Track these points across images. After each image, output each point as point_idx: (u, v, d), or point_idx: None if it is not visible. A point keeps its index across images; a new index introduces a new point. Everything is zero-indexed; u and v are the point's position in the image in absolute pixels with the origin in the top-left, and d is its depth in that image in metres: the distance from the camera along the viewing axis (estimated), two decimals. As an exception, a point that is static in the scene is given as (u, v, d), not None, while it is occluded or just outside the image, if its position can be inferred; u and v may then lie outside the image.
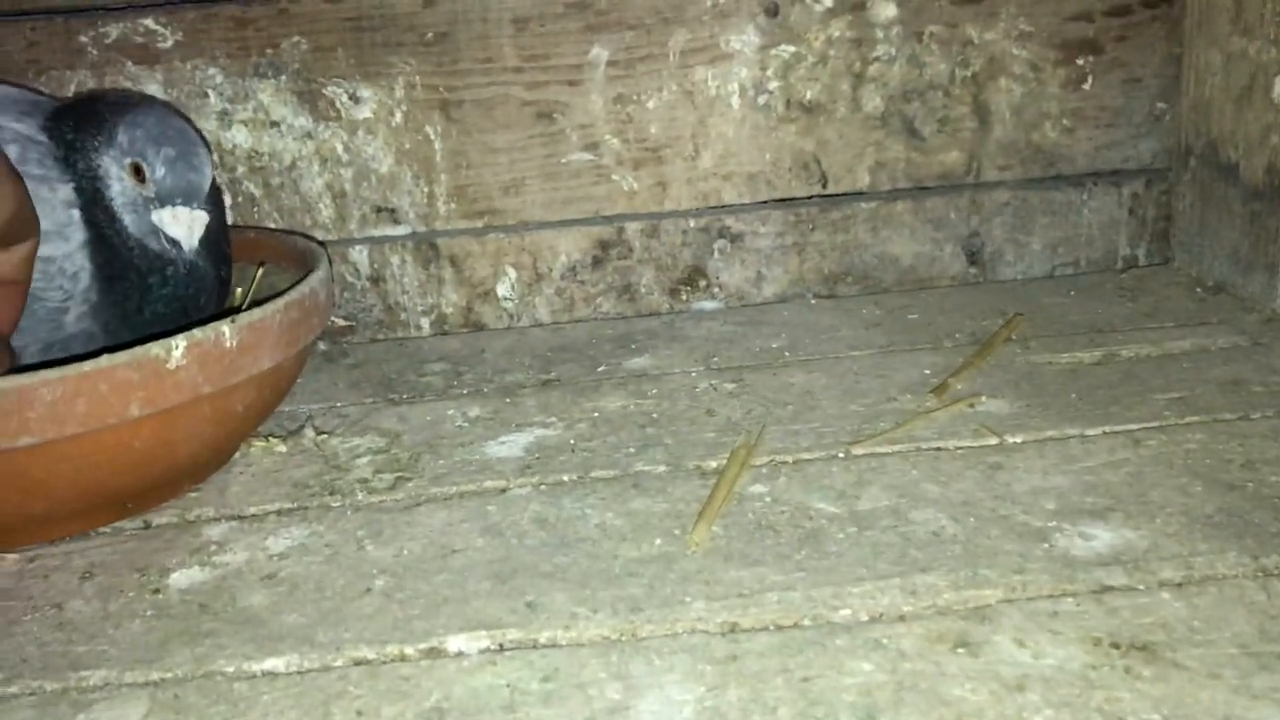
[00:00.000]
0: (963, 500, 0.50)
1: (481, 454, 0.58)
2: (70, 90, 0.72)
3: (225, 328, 0.49)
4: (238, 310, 0.53)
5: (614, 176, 0.77)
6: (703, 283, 0.78)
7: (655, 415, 0.61)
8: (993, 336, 0.67)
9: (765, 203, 0.78)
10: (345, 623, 0.44)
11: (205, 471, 0.56)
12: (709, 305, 0.78)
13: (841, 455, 0.54)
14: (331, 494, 0.55)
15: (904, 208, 0.78)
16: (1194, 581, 0.43)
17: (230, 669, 0.42)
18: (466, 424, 0.62)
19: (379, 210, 0.76)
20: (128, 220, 0.55)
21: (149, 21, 0.72)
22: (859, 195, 0.78)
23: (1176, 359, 0.63)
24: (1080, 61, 0.76)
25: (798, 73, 0.76)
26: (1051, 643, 0.40)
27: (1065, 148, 0.78)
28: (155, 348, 0.47)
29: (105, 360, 0.46)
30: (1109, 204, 0.79)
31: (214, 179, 0.58)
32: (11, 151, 0.53)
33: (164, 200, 0.55)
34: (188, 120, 0.58)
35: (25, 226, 0.49)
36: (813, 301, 0.78)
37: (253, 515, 0.53)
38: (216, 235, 0.57)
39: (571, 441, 0.59)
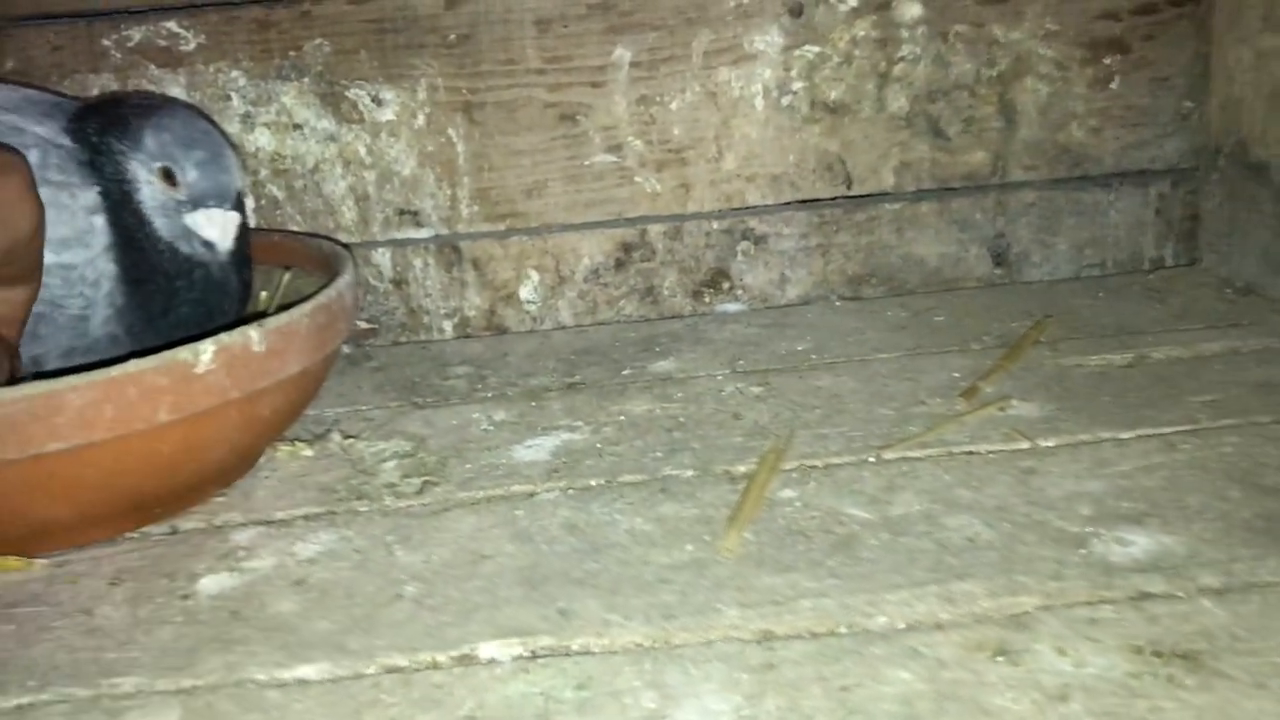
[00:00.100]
0: (996, 505, 0.49)
1: (508, 458, 0.58)
2: (94, 94, 0.72)
3: (253, 332, 0.49)
4: (263, 314, 0.52)
5: (637, 178, 0.77)
6: (726, 285, 0.78)
7: (682, 419, 0.60)
8: (1021, 339, 0.67)
9: (789, 204, 0.77)
10: (376, 630, 0.43)
11: (232, 476, 0.56)
12: (732, 307, 0.78)
13: (872, 460, 0.54)
14: (359, 499, 0.54)
15: (929, 209, 0.77)
16: (1235, 589, 0.42)
17: (262, 676, 0.41)
18: (492, 428, 0.61)
19: (402, 213, 0.76)
20: (159, 224, 0.55)
21: (172, 24, 0.72)
22: (884, 196, 0.77)
23: (1208, 361, 0.62)
24: (1107, 61, 0.76)
25: (822, 73, 0.75)
26: (1092, 651, 0.39)
27: (1091, 148, 0.78)
28: (183, 352, 0.47)
29: (133, 365, 0.46)
30: (1135, 204, 0.78)
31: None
32: (32, 156, 0.53)
33: (196, 203, 0.55)
34: (212, 121, 0.58)
35: (25, 270, 0.49)
36: (837, 303, 0.77)
37: (280, 520, 0.53)
38: (241, 238, 0.57)
39: (598, 446, 0.58)
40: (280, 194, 0.75)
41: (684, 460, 0.56)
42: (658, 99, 0.75)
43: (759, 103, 0.75)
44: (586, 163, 0.76)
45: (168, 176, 0.55)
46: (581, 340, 0.75)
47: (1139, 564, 0.44)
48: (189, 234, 0.55)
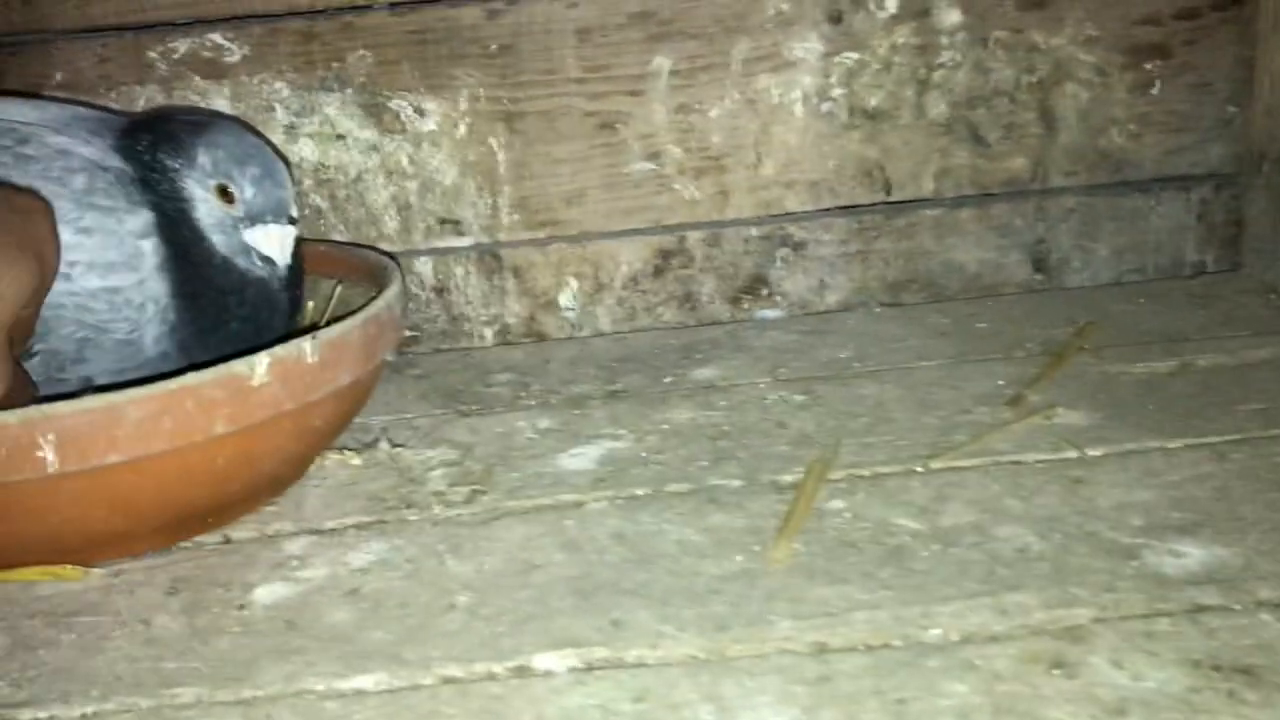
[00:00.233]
0: (1047, 516, 0.49)
1: (554, 467, 0.58)
2: (140, 106, 0.73)
3: (307, 344, 0.49)
4: (313, 327, 0.53)
5: (675, 186, 0.77)
6: (765, 291, 0.78)
7: (726, 428, 0.60)
8: (1065, 346, 0.66)
9: (828, 210, 0.77)
10: (431, 640, 0.44)
11: (283, 485, 0.56)
12: (771, 314, 0.78)
13: (920, 469, 0.54)
14: (408, 507, 0.55)
15: (969, 215, 0.77)
16: (1293, 601, 0.42)
17: (320, 687, 0.42)
18: (537, 436, 0.62)
19: (443, 222, 0.76)
20: (216, 240, 0.56)
21: (216, 36, 0.73)
22: (923, 202, 0.77)
23: (1255, 369, 0.62)
24: (1148, 66, 0.75)
25: (861, 80, 0.75)
26: (1149, 664, 0.39)
27: (1132, 153, 0.77)
28: (239, 365, 0.47)
29: (191, 378, 0.46)
30: (1177, 209, 0.78)
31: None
32: (78, 181, 0.54)
33: (254, 219, 0.56)
34: (262, 136, 0.58)
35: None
36: (877, 310, 0.77)
37: (331, 529, 0.53)
38: (295, 253, 0.57)
39: (643, 454, 0.58)
40: (324, 204, 0.75)
41: (730, 470, 0.56)
42: (697, 106, 0.75)
43: (798, 109, 0.75)
44: (625, 170, 0.76)
45: (224, 194, 0.55)
46: (621, 347, 0.75)
47: (1194, 576, 0.44)
48: (247, 250, 0.56)
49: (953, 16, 0.74)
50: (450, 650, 0.43)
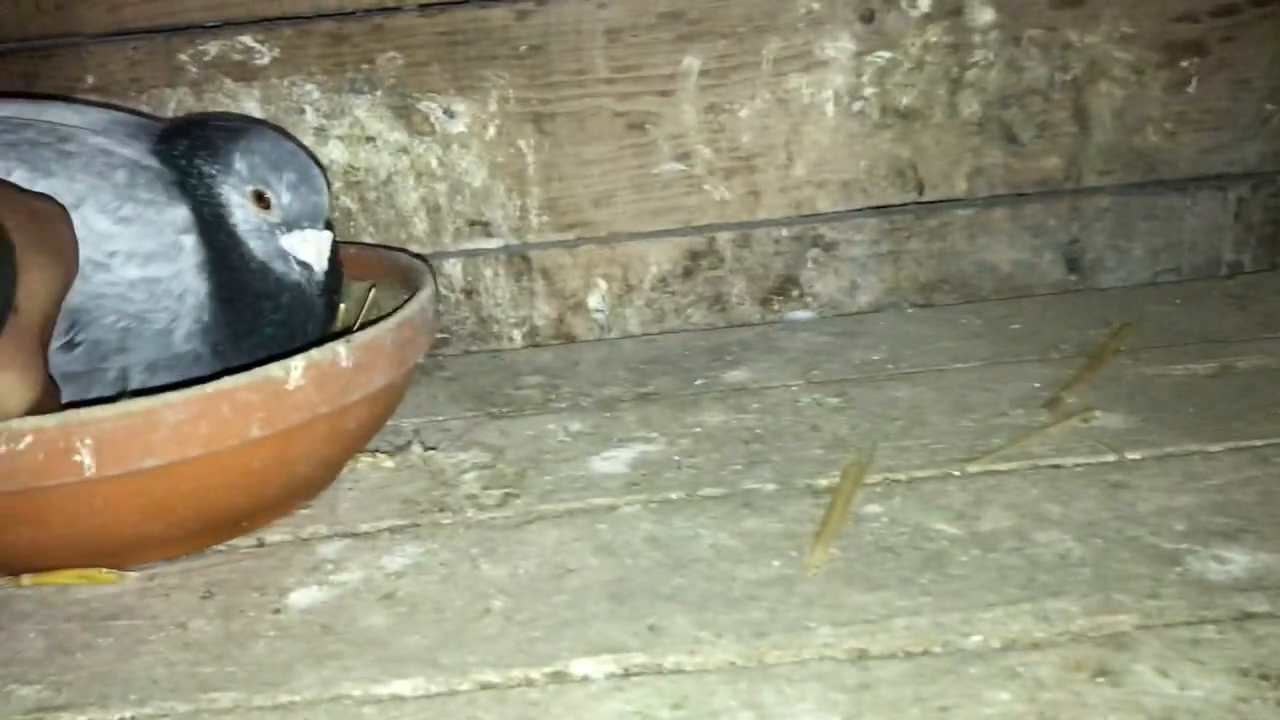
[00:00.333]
0: (1087, 521, 0.48)
1: (586, 470, 0.58)
2: (171, 108, 0.73)
3: (341, 348, 0.49)
4: (347, 330, 0.53)
5: (705, 186, 0.77)
6: (795, 292, 0.78)
7: (759, 431, 0.60)
8: (1101, 347, 0.66)
9: (860, 210, 0.77)
10: (468, 645, 0.44)
11: (317, 489, 0.56)
12: (802, 315, 0.78)
13: (957, 473, 0.54)
14: (441, 510, 0.55)
15: (1002, 214, 0.76)
16: (1341, 609, 0.41)
17: (357, 692, 0.42)
18: (568, 439, 0.62)
19: (472, 223, 0.76)
20: (253, 246, 0.56)
21: (247, 39, 0.73)
22: (956, 202, 0.77)
23: (1296, 371, 0.61)
24: (1184, 63, 0.75)
25: (893, 79, 0.74)
26: (1196, 673, 0.38)
27: (1168, 152, 0.76)
28: (275, 369, 0.47)
29: (227, 382, 0.46)
30: (1213, 208, 0.77)
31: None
32: (119, 175, 0.54)
33: (290, 225, 0.56)
34: (298, 141, 0.58)
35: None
36: (909, 311, 0.77)
37: (365, 533, 0.53)
38: (333, 257, 0.58)
39: (676, 458, 0.58)
40: (353, 206, 0.75)
41: (764, 473, 0.55)
42: (727, 106, 0.75)
43: (829, 109, 0.75)
44: (655, 171, 0.76)
45: (260, 199, 0.56)
46: (651, 349, 0.75)
47: (1239, 583, 0.43)
48: (284, 255, 0.56)
49: (986, 15, 0.73)
50: (487, 655, 0.43)
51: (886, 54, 0.74)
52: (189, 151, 0.56)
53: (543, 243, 0.77)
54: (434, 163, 0.75)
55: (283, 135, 0.58)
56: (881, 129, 0.75)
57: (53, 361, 0.52)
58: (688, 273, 0.77)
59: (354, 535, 0.53)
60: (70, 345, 0.53)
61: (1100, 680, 0.39)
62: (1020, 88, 0.75)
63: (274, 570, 0.51)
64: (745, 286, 0.78)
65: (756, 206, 0.77)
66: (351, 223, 0.76)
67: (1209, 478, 0.51)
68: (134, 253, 0.53)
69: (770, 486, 0.54)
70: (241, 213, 0.56)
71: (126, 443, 0.45)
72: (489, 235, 0.77)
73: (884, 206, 0.77)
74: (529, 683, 0.41)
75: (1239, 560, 0.45)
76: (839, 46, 0.74)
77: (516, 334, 0.78)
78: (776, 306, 0.78)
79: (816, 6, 0.73)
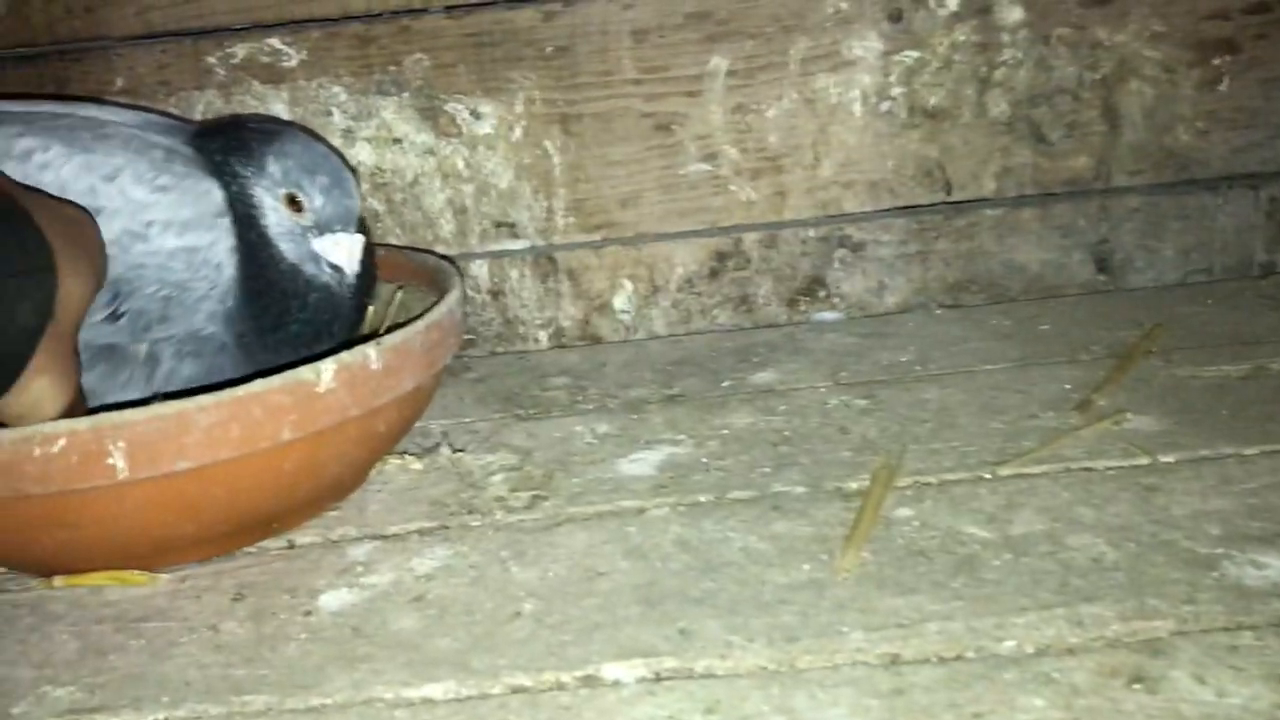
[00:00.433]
0: (1120, 525, 0.48)
1: (614, 472, 0.58)
2: (199, 110, 0.74)
3: (371, 350, 0.49)
4: (374, 334, 0.53)
5: (732, 187, 0.76)
6: (822, 293, 0.77)
7: (787, 433, 0.60)
8: (1132, 348, 0.65)
9: (887, 211, 0.76)
10: (499, 648, 0.44)
11: (346, 490, 0.57)
12: (829, 316, 0.77)
13: (988, 476, 0.53)
14: (470, 513, 0.55)
15: (1031, 214, 0.76)
16: (1382, 615, 0.41)
17: (389, 695, 0.42)
18: (596, 441, 0.62)
19: (499, 225, 0.76)
20: (284, 247, 0.56)
21: (275, 41, 0.73)
22: (984, 202, 0.76)
23: (1332, 372, 0.60)
24: (1216, 62, 0.74)
25: (921, 78, 0.74)
26: (1234, 680, 0.38)
27: (1199, 151, 0.76)
28: (305, 371, 0.47)
29: (259, 385, 0.46)
30: (1245, 208, 0.76)
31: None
32: (156, 154, 0.55)
33: (322, 229, 0.56)
34: (329, 144, 0.59)
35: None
36: (937, 312, 0.76)
37: (394, 535, 0.54)
38: (365, 260, 0.58)
39: (704, 460, 0.58)
40: (380, 207, 0.76)
41: (793, 476, 0.55)
42: (754, 107, 0.75)
43: (857, 109, 0.75)
44: (681, 172, 0.76)
45: (293, 202, 0.56)
46: (677, 350, 0.75)
47: (1277, 588, 0.43)
48: (315, 257, 0.56)
49: (1014, 14, 0.73)
50: (518, 659, 0.43)
51: (914, 53, 0.74)
52: (223, 151, 0.56)
53: (569, 244, 0.77)
54: (460, 164, 0.75)
55: (315, 138, 0.58)
56: (909, 129, 0.75)
57: (97, 333, 0.53)
58: (714, 273, 0.77)
59: (383, 537, 0.53)
60: (114, 316, 0.53)
61: (1136, 687, 0.38)
62: (1049, 87, 0.74)
63: (304, 572, 0.51)
64: (772, 287, 0.77)
65: (783, 207, 0.77)
66: (378, 224, 0.76)
67: (1244, 481, 0.51)
68: (171, 221, 0.54)
69: (799, 489, 0.54)
70: (274, 215, 0.56)
71: (159, 445, 0.45)
72: (515, 236, 0.77)
73: (912, 207, 0.76)
74: (560, 686, 0.41)
75: (1276, 565, 0.44)
76: (867, 46, 0.73)
77: (542, 335, 0.78)
78: (803, 307, 0.78)
79: (844, 6, 0.73)
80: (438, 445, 0.61)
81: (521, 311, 0.78)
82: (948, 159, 0.75)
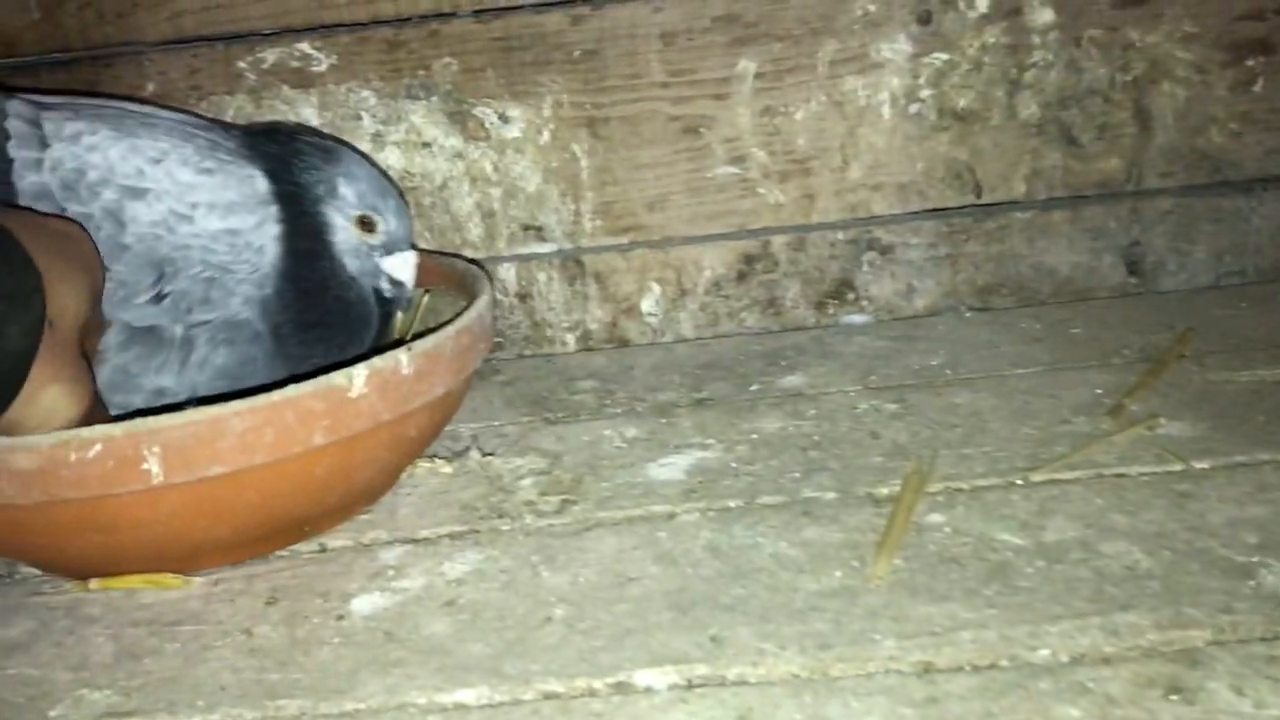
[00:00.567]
0: (1155, 532, 0.48)
1: (644, 477, 0.58)
2: (230, 115, 0.74)
3: (403, 356, 0.50)
4: (400, 341, 0.53)
5: (760, 189, 0.76)
6: (851, 296, 0.77)
7: (816, 438, 0.60)
8: (1165, 353, 0.65)
9: (916, 213, 0.76)
10: (530, 653, 0.44)
11: (377, 494, 0.57)
12: (858, 319, 0.77)
13: (1020, 482, 0.53)
14: (500, 517, 0.55)
15: (1061, 217, 0.75)
16: None
17: (422, 700, 0.42)
18: (624, 445, 0.62)
19: (526, 228, 0.76)
20: (349, 263, 0.59)
21: (304, 46, 0.73)
22: (1014, 204, 0.76)
23: (1368, 377, 0.60)
24: (1250, 62, 0.73)
25: (951, 81, 0.74)
26: (1273, 691, 0.38)
27: (1232, 152, 0.75)
28: (338, 377, 0.48)
29: (292, 390, 0.47)
30: (1279, 210, 0.75)
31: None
32: (200, 140, 0.56)
33: (391, 249, 0.60)
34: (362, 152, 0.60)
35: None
36: (967, 315, 0.76)
37: (425, 539, 0.54)
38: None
39: (733, 465, 0.58)
40: (409, 211, 0.76)
41: (823, 481, 0.55)
42: (782, 109, 0.75)
43: (886, 111, 0.74)
44: (709, 175, 0.76)
45: (364, 223, 0.59)
46: (705, 353, 0.75)
47: (1316, 598, 0.42)
48: (376, 273, 0.60)
49: (1045, 15, 0.72)
50: (550, 664, 0.43)
51: (944, 55, 0.73)
52: (283, 161, 0.58)
53: (596, 247, 0.77)
54: (489, 168, 0.75)
55: (366, 158, 0.61)
56: (939, 131, 0.75)
57: (140, 314, 0.54)
58: (742, 276, 0.77)
59: (414, 541, 0.54)
60: (158, 297, 0.54)
61: (1173, 698, 0.38)
62: (1080, 89, 0.74)
63: (336, 576, 0.51)
64: (800, 290, 0.77)
65: (811, 210, 0.76)
66: (407, 228, 0.76)
67: (1280, 488, 0.50)
68: (215, 203, 0.55)
69: (830, 495, 0.54)
70: (344, 234, 0.59)
71: (193, 450, 0.45)
72: (543, 240, 0.77)
73: (941, 209, 0.76)
74: (592, 693, 0.41)
75: (1314, 574, 0.44)
76: (895, 48, 0.73)
77: (570, 338, 0.78)
78: (831, 310, 0.77)
79: (873, 8, 0.72)
80: (467, 449, 0.62)
81: (549, 314, 0.78)
82: (977, 161, 0.75)
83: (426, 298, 0.65)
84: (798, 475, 0.56)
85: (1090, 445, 0.55)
